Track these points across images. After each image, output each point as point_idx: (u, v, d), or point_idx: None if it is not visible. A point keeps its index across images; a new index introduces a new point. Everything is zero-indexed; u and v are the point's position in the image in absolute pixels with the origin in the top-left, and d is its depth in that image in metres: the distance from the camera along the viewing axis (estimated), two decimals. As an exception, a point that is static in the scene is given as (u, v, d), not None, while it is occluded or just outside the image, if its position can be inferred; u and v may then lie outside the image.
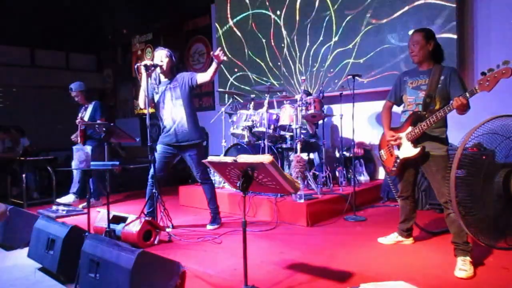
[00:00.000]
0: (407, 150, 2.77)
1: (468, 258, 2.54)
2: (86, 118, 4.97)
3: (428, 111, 2.67)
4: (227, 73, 6.90)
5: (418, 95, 2.76)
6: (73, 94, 5.06)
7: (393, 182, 3.33)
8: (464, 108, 2.45)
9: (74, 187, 4.98)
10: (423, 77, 2.76)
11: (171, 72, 3.68)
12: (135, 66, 3.48)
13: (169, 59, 3.63)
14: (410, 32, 2.99)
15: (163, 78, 3.70)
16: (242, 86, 6.62)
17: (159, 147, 3.72)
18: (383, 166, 3.11)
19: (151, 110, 3.47)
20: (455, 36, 4.46)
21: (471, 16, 4.56)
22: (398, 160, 2.87)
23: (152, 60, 3.60)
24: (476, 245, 2.93)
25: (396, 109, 3.06)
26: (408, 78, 2.86)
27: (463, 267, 2.47)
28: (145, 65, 3.43)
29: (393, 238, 3.15)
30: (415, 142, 2.72)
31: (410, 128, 2.73)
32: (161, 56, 3.62)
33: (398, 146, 2.85)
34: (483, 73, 2.34)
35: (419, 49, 2.73)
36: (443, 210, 2.71)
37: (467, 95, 2.40)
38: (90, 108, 5.03)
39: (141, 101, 3.69)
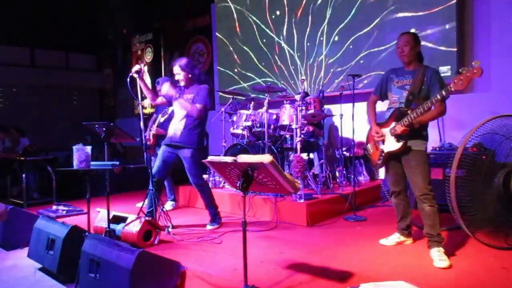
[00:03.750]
0: (391, 145, 2.87)
1: (442, 249, 2.69)
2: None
3: (411, 109, 2.76)
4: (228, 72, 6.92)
5: (402, 94, 2.87)
6: (158, 88, 5.02)
7: (384, 183, 3.38)
8: (439, 110, 2.64)
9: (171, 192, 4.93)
10: (408, 77, 2.88)
11: (191, 82, 3.72)
12: (128, 77, 3.53)
13: (185, 72, 3.67)
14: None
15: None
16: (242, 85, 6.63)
17: (162, 148, 3.79)
18: (369, 159, 3.21)
19: (151, 110, 3.49)
20: (454, 36, 4.44)
21: (471, 15, 4.56)
22: (383, 154, 2.97)
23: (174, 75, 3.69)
24: (476, 245, 2.94)
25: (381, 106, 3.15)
26: (395, 76, 2.98)
27: (442, 257, 2.62)
28: (136, 71, 3.53)
29: (394, 239, 3.14)
30: (398, 137, 2.81)
31: (393, 124, 2.84)
32: (177, 70, 3.68)
33: (383, 141, 2.95)
34: (458, 72, 2.46)
35: (409, 49, 2.84)
36: (418, 204, 2.83)
37: (443, 92, 2.53)
38: None
39: (148, 98, 3.84)
